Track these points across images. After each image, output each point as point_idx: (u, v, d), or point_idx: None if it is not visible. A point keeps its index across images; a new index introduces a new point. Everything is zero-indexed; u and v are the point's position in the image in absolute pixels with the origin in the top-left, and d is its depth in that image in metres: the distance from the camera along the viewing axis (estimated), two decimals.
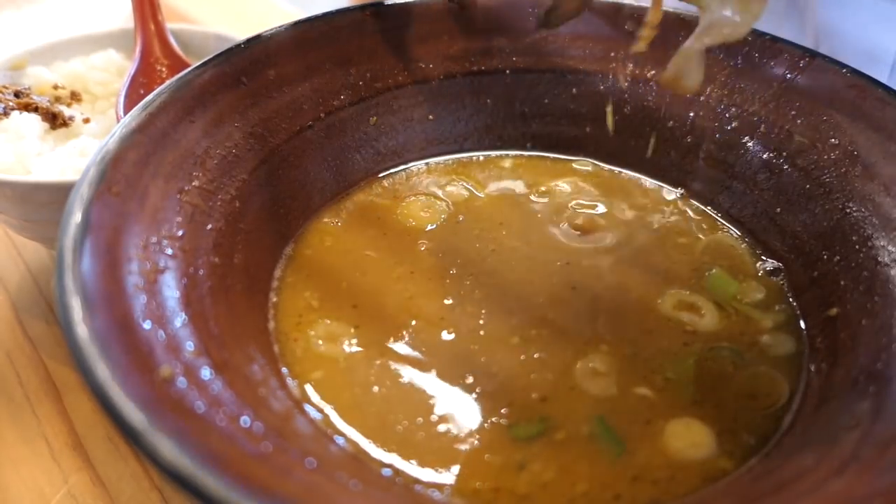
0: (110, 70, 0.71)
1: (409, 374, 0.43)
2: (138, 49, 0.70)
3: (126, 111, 0.63)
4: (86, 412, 0.53)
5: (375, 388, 0.42)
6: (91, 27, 0.74)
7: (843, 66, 0.51)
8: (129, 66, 0.69)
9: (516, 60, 0.61)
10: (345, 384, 0.43)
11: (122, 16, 1.02)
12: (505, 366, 0.44)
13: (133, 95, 0.66)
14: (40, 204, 0.55)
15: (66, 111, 0.65)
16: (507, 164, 0.61)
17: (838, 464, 0.34)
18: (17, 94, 0.65)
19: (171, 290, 0.38)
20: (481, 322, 0.47)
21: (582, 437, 0.40)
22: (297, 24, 0.54)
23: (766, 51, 0.55)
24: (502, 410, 0.41)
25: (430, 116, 0.60)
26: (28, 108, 0.63)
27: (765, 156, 0.54)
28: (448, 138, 0.61)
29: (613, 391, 0.43)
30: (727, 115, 0.56)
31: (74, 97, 0.68)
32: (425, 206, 0.56)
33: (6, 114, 0.62)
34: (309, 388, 0.42)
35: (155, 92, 0.45)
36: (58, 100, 0.67)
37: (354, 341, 0.45)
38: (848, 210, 0.48)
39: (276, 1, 1.17)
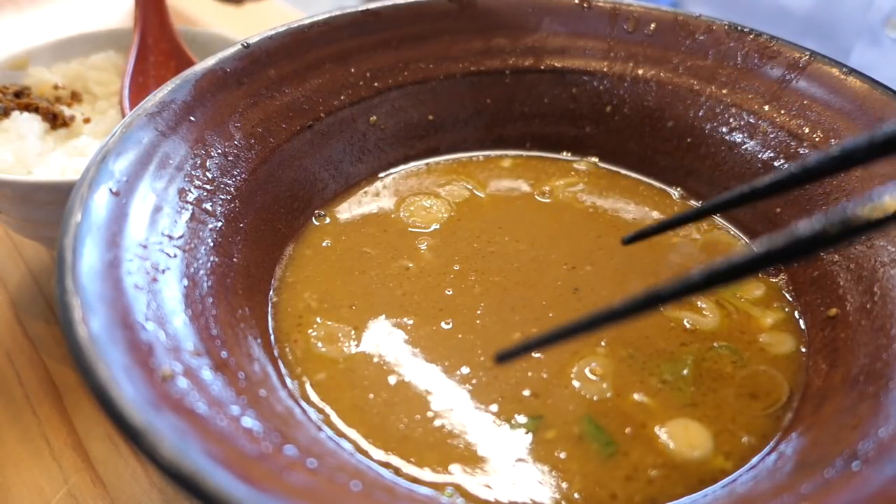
0: (110, 70, 0.71)
1: (408, 373, 0.43)
2: (136, 37, 0.70)
3: (131, 99, 0.63)
4: (86, 412, 0.53)
5: (375, 389, 0.42)
6: (91, 27, 0.74)
7: (843, 66, 0.51)
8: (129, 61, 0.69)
9: (516, 60, 0.61)
10: (345, 385, 0.43)
11: (122, 16, 1.02)
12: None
13: (135, 87, 0.66)
14: (40, 204, 0.55)
15: (67, 111, 0.65)
16: (506, 164, 0.61)
17: (838, 464, 0.34)
18: (17, 94, 0.65)
19: (171, 290, 0.38)
20: (479, 312, 0.47)
21: (572, 436, 0.40)
22: (297, 24, 0.54)
23: (766, 51, 0.55)
24: (493, 407, 0.42)
25: (430, 116, 0.60)
26: (28, 108, 0.63)
27: (765, 156, 0.54)
28: (448, 138, 0.61)
29: (609, 393, 0.43)
30: (727, 115, 0.56)
31: (74, 97, 0.68)
32: (425, 206, 0.56)
33: (6, 114, 0.62)
34: (309, 389, 0.42)
35: (155, 92, 0.45)
36: (58, 100, 0.67)
37: (354, 342, 0.45)
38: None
39: (276, 1, 1.17)
